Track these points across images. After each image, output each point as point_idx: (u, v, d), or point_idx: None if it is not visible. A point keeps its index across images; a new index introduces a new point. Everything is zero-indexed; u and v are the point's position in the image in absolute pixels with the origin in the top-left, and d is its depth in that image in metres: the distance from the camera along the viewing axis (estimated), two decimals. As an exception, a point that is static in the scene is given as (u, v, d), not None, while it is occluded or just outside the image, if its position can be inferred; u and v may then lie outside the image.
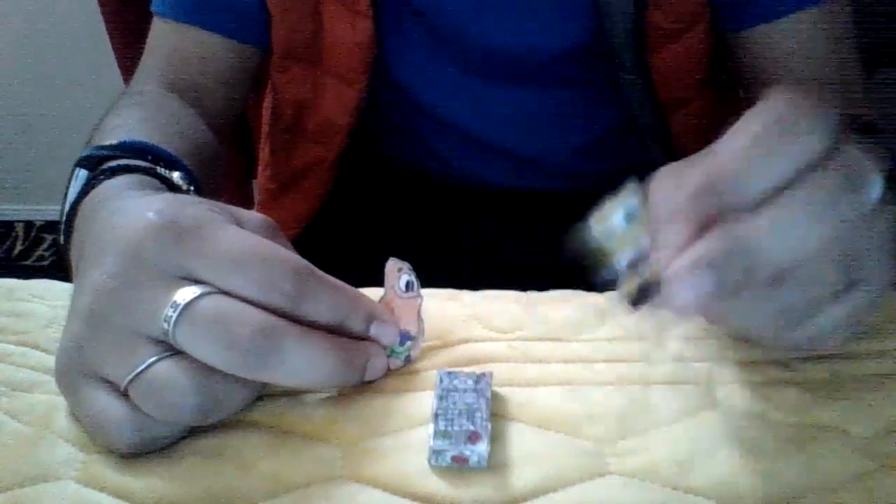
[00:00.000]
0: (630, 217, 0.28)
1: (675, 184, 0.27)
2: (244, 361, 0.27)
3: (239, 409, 0.30)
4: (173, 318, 0.27)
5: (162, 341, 0.28)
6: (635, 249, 0.28)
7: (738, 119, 0.29)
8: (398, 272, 0.33)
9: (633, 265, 0.28)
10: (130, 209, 0.30)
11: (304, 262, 0.29)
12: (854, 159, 0.27)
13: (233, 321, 0.27)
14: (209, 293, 0.28)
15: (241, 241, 0.29)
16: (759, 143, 0.26)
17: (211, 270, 0.28)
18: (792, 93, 0.27)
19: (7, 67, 1.67)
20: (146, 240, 0.28)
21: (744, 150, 0.26)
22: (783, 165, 0.26)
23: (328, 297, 0.29)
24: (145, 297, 0.28)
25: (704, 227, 0.26)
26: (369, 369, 0.31)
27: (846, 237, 0.26)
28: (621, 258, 0.28)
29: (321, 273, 0.30)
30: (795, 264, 0.26)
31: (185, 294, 0.27)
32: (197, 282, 0.28)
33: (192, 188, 0.38)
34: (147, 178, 0.36)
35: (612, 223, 0.28)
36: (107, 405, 0.28)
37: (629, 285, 0.28)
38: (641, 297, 0.28)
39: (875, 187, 0.27)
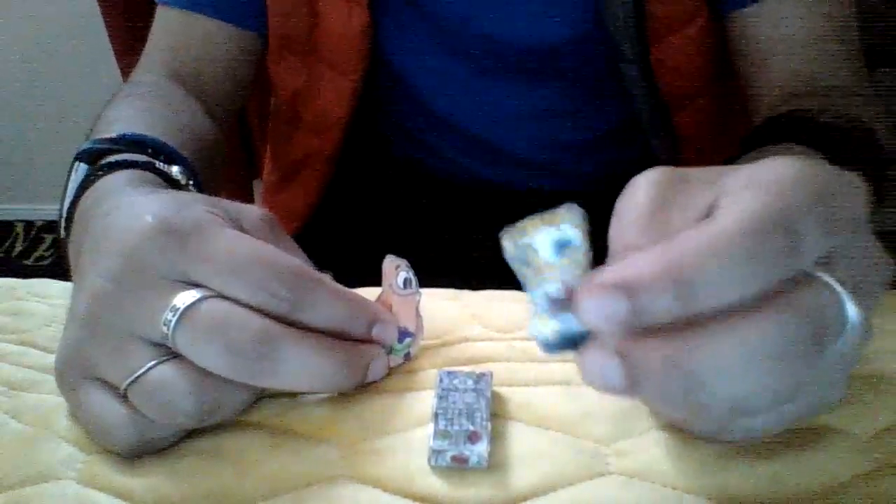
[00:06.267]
0: (561, 248, 0.22)
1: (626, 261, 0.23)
2: (243, 367, 0.27)
3: (238, 411, 0.30)
4: (172, 323, 0.27)
5: (161, 344, 0.28)
6: (561, 285, 0.22)
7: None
8: (396, 269, 0.33)
9: (554, 301, 0.22)
10: (128, 210, 0.30)
11: (303, 266, 0.29)
12: (830, 292, 0.23)
13: (232, 327, 0.27)
14: (208, 297, 0.27)
15: (238, 244, 0.28)
16: (738, 246, 0.21)
17: (208, 275, 0.28)
18: (801, 165, 0.24)
19: (7, 67, 1.67)
20: (144, 243, 0.28)
21: (716, 250, 0.21)
22: (755, 282, 0.22)
23: (327, 302, 0.29)
24: (144, 301, 0.28)
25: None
26: (371, 371, 0.31)
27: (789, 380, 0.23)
28: (539, 291, 0.23)
29: (320, 276, 0.30)
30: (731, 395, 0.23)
31: (185, 298, 0.27)
32: (196, 286, 0.28)
33: (191, 182, 0.38)
34: (146, 174, 0.36)
35: (537, 248, 0.22)
36: (106, 407, 0.28)
37: (542, 323, 0.23)
38: (558, 343, 0.23)
39: (845, 335, 0.23)
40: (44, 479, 0.29)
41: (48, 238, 1.84)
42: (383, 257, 0.33)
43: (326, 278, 0.30)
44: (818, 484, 0.28)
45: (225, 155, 0.56)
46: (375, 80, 0.60)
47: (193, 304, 0.27)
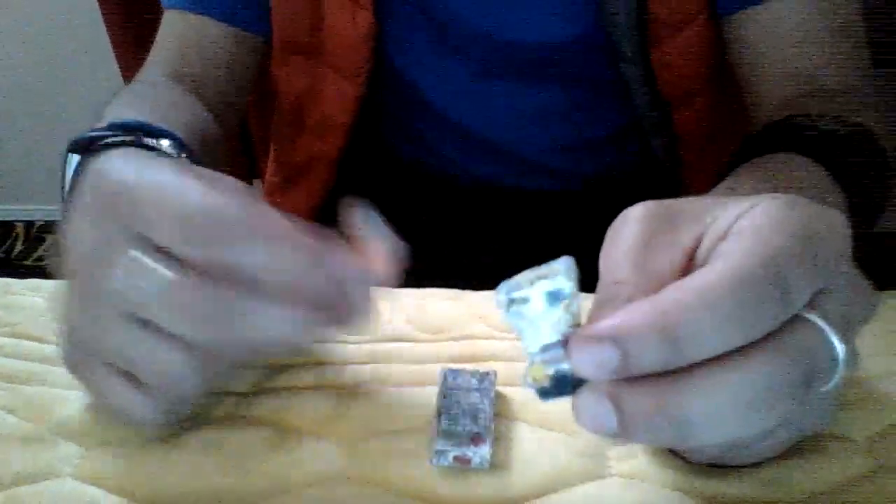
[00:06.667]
0: (554, 299, 0.23)
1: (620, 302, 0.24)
2: (220, 338, 0.26)
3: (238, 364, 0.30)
4: (144, 302, 0.26)
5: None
6: (555, 334, 0.23)
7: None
8: (354, 209, 0.29)
9: (548, 351, 0.23)
10: (93, 175, 0.29)
11: (241, 206, 0.26)
12: (821, 334, 0.23)
13: (197, 301, 0.26)
14: (171, 268, 0.26)
15: (175, 195, 0.26)
16: (728, 299, 0.22)
17: (160, 234, 0.26)
18: (794, 210, 0.24)
19: (7, 68, 1.66)
20: (99, 209, 0.27)
21: (712, 300, 0.22)
22: (744, 333, 0.22)
23: (268, 249, 0.26)
24: (114, 274, 0.27)
25: None
26: (359, 304, 0.28)
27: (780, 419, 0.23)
28: (534, 342, 0.23)
29: (268, 218, 0.26)
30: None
31: (149, 271, 0.26)
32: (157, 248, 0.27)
33: (182, 155, 0.37)
34: (133, 149, 0.35)
35: (530, 301, 0.23)
36: (120, 392, 0.28)
37: (537, 372, 0.24)
38: (554, 390, 0.23)
39: (834, 375, 0.23)
40: (42, 476, 0.29)
41: (48, 238, 1.84)
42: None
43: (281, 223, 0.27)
44: (817, 486, 0.28)
45: (227, 155, 0.56)
46: (379, 83, 0.60)
47: (158, 277, 0.26)
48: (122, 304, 0.27)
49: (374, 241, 0.29)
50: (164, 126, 0.39)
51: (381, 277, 0.29)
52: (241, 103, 0.61)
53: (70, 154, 0.37)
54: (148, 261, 0.26)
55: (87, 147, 0.36)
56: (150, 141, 0.36)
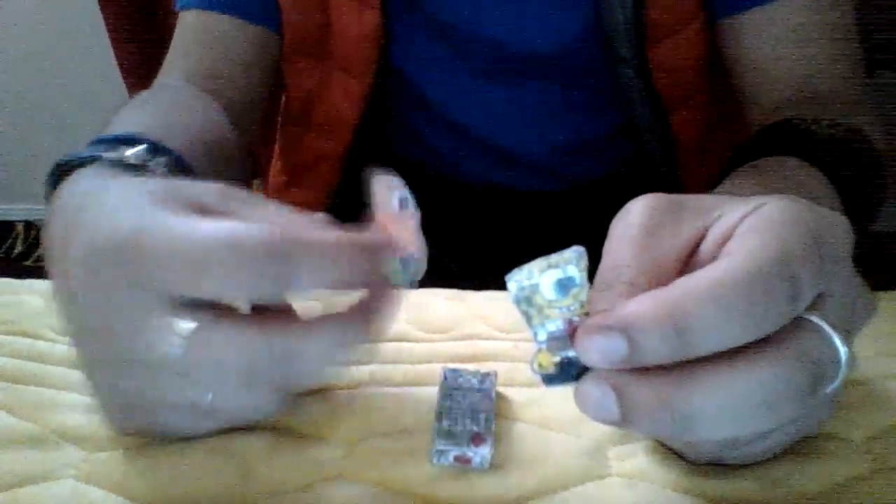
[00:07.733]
0: (563, 288, 0.23)
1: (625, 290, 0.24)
2: (260, 391, 0.26)
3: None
4: (177, 363, 0.25)
5: None
6: (563, 322, 0.23)
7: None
8: (388, 190, 0.29)
9: (555, 338, 0.24)
10: (82, 225, 0.28)
11: (279, 230, 0.25)
12: (825, 339, 0.23)
13: (229, 356, 0.25)
14: (200, 326, 0.25)
15: (197, 237, 0.25)
16: (740, 294, 0.22)
17: (177, 283, 0.25)
18: (795, 211, 0.24)
19: (7, 68, 1.67)
20: (102, 269, 0.26)
21: (718, 296, 0.22)
22: (754, 330, 0.22)
23: (324, 258, 0.25)
24: (136, 331, 0.26)
25: None
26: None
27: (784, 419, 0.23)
28: (542, 329, 0.24)
29: (304, 236, 0.25)
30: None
31: (178, 331, 0.25)
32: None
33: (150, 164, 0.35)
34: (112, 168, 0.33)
35: (540, 288, 0.23)
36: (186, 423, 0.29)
37: (543, 358, 0.24)
38: (559, 377, 0.24)
39: (837, 378, 0.24)
40: (44, 478, 0.29)
41: (48, 238, 1.84)
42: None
43: (315, 230, 0.26)
44: (816, 486, 0.28)
45: (244, 154, 0.55)
46: (386, 83, 0.60)
47: (188, 336, 0.25)
48: (156, 370, 0.26)
49: (402, 216, 0.29)
50: (144, 134, 0.37)
51: (415, 253, 0.29)
52: (260, 101, 0.61)
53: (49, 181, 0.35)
54: (161, 322, 0.25)
55: (63, 171, 0.34)
56: (129, 155, 0.34)
